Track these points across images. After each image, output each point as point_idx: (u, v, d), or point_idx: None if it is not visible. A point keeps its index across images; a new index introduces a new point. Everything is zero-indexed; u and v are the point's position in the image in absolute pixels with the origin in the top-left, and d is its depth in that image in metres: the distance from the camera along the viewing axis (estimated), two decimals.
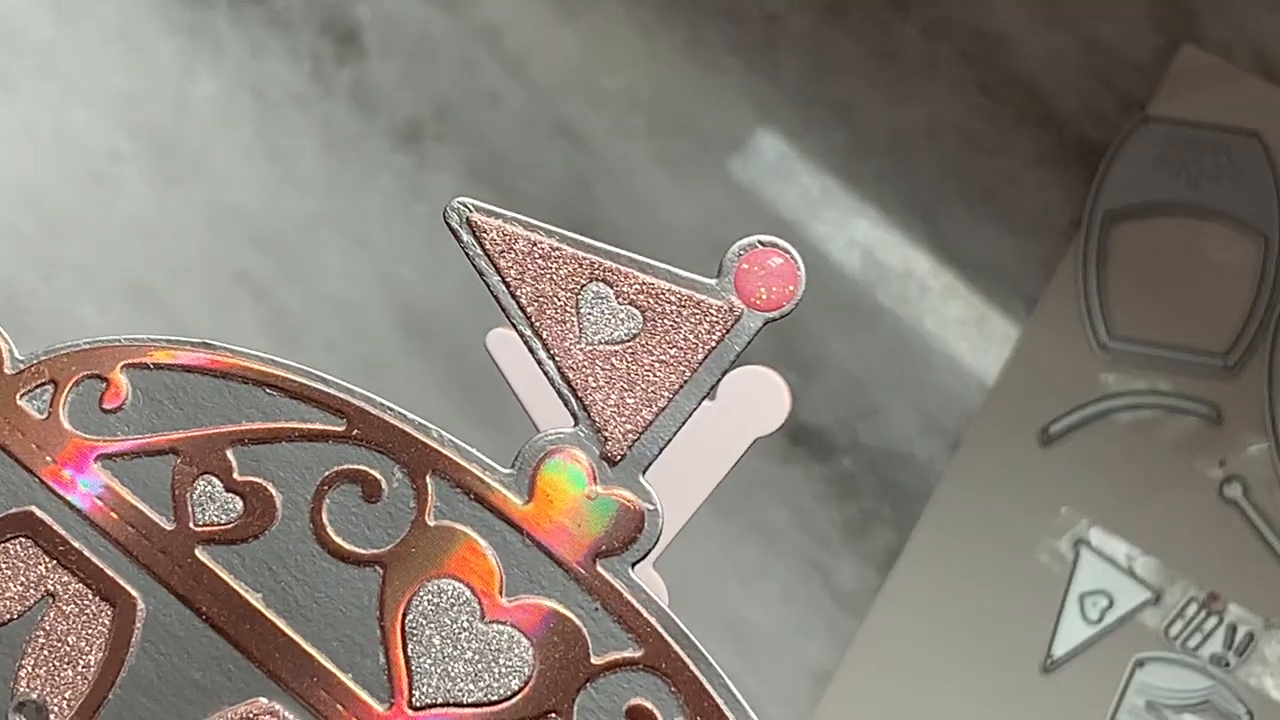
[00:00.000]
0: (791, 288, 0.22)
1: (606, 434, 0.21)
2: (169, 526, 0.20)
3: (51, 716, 0.20)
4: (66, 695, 0.20)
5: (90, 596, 0.20)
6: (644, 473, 0.21)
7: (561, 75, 0.53)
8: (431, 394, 0.49)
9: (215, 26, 0.53)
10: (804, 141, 0.52)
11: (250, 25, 0.53)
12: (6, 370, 0.21)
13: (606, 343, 0.21)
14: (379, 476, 0.21)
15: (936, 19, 0.53)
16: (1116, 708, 0.49)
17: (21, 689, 0.20)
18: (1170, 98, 0.51)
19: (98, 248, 0.52)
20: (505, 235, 0.22)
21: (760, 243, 0.22)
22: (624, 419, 0.21)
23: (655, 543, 0.21)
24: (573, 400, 0.21)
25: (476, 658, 0.20)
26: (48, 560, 0.20)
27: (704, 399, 0.21)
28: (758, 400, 0.23)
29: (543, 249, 0.22)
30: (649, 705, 0.20)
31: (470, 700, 0.20)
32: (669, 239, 0.52)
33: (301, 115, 0.52)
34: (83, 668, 0.20)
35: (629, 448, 0.21)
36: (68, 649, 0.20)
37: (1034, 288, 0.51)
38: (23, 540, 0.20)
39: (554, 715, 0.20)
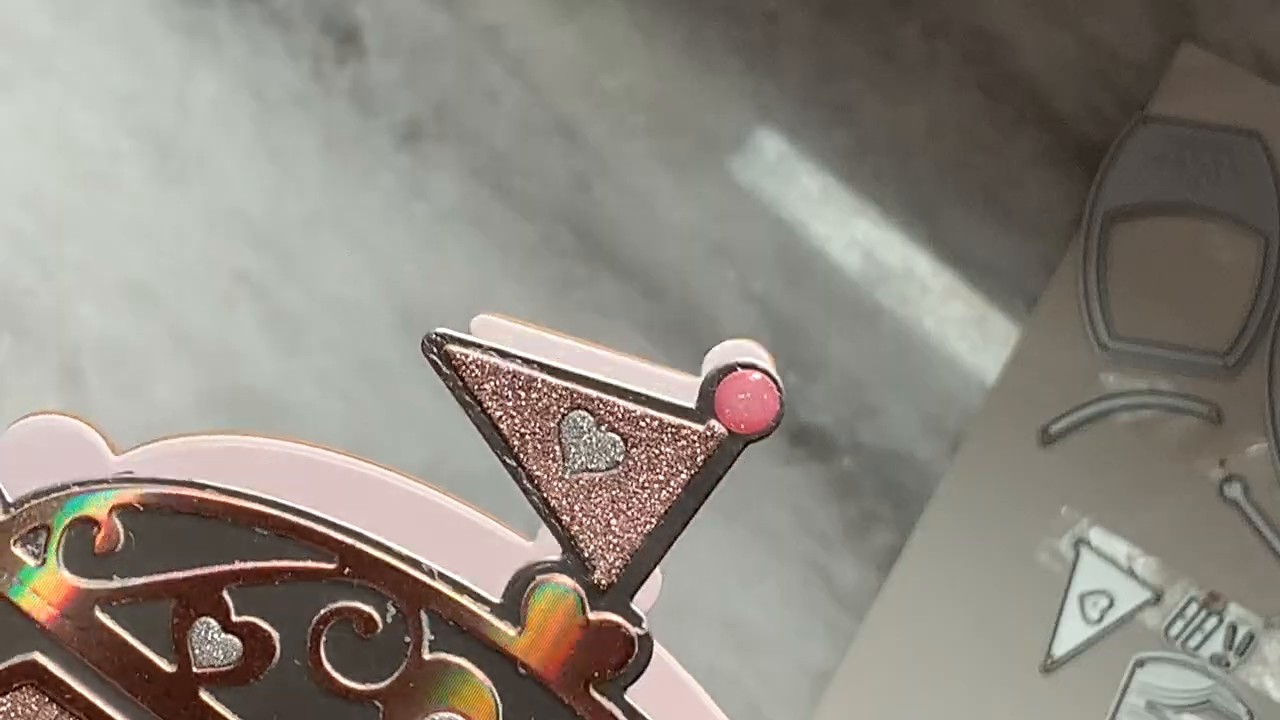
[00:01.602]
0: (773, 406, 0.22)
1: (594, 563, 0.21)
2: (171, 669, 0.20)
3: None
4: None
5: None
6: (632, 597, 0.21)
7: (561, 75, 0.53)
8: (431, 394, 0.49)
9: (215, 26, 0.53)
10: (804, 141, 0.52)
11: (250, 25, 0.53)
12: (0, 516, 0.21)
13: (590, 470, 0.21)
14: (373, 613, 0.21)
15: (936, 19, 0.53)
16: (1117, 708, 0.49)
17: None
18: (1170, 97, 0.51)
19: (98, 248, 0.52)
20: (483, 367, 0.22)
21: (739, 365, 0.22)
22: (611, 547, 0.21)
23: (646, 666, 0.21)
24: (560, 530, 0.21)
25: None
26: (54, 708, 0.20)
27: (689, 521, 0.21)
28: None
29: (521, 379, 0.22)
30: None
31: None
32: (669, 239, 0.52)
33: (301, 115, 0.52)
34: None
35: (617, 576, 0.21)
36: None
37: (1034, 288, 0.51)
38: (29, 688, 0.20)
39: None
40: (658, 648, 0.21)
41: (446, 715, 0.20)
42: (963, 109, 0.52)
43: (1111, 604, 0.49)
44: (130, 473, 0.21)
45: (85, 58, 0.53)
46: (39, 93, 0.53)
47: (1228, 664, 0.48)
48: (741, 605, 0.49)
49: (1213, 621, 0.49)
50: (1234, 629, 0.48)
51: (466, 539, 0.22)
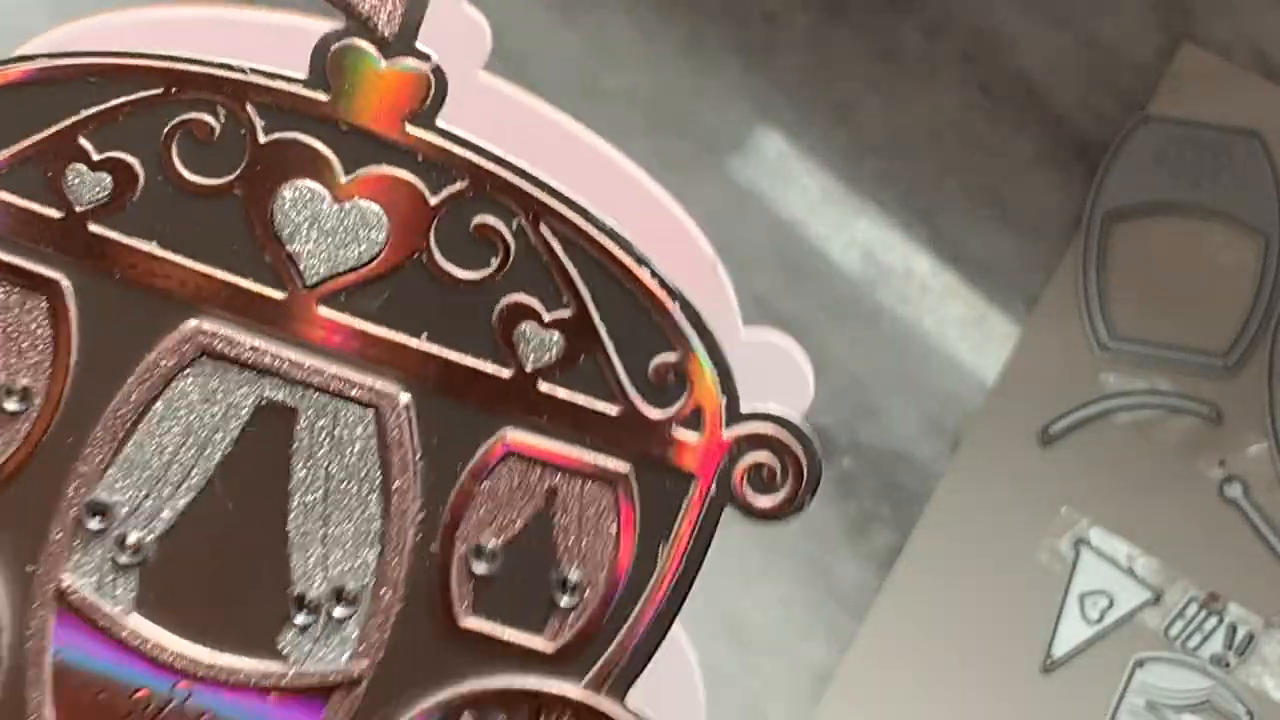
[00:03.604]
0: None
1: (374, 21, 0.24)
2: (58, 214, 0.24)
3: (35, 396, 0.24)
4: (38, 374, 0.24)
5: (21, 292, 0.24)
6: (415, 38, 0.24)
7: (561, 75, 0.53)
8: None
9: None
10: (804, 141, 0.52)
11: None
12: None
13: None
14: (206, 118, 0.24)
15: (937, 18, 0.53)
16: (1116, 708, 0.49)
17: (1, 379, 0.24)
18: (1170, 97, 0.51)
19: None
20: None
21: None
22: (386, 4, 0.24)
23: (445, 96, 0.24)
24: (340, 2, 0.24)
25: (343, 232, 0.24)
26: None
27: None
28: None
29: None
30: (490, 221, 0.24)
31: (350, 265, 0.24)
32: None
33: None
34: (42, 348, 0.24)
35: (398, 25, 0.24)
36: (28, 335, 0.24)
37: (1034, 288, 0.51)
38: None
39: (418, 253, 0.24)
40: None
41: (296, 182, 0.24)
42: (963, 109, 0.52)
43: (1111, 604, 0.49)
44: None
45: None
46: None
47: (1228, 664, 0.48)
48: (741, 605, 0.49)
49: (1213, 621, 0.49)
50: (1234, 629, 0.48)
51: (272, 38, 0.25)
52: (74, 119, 0.24)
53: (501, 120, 0.26)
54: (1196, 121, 0.51)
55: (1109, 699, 0.49)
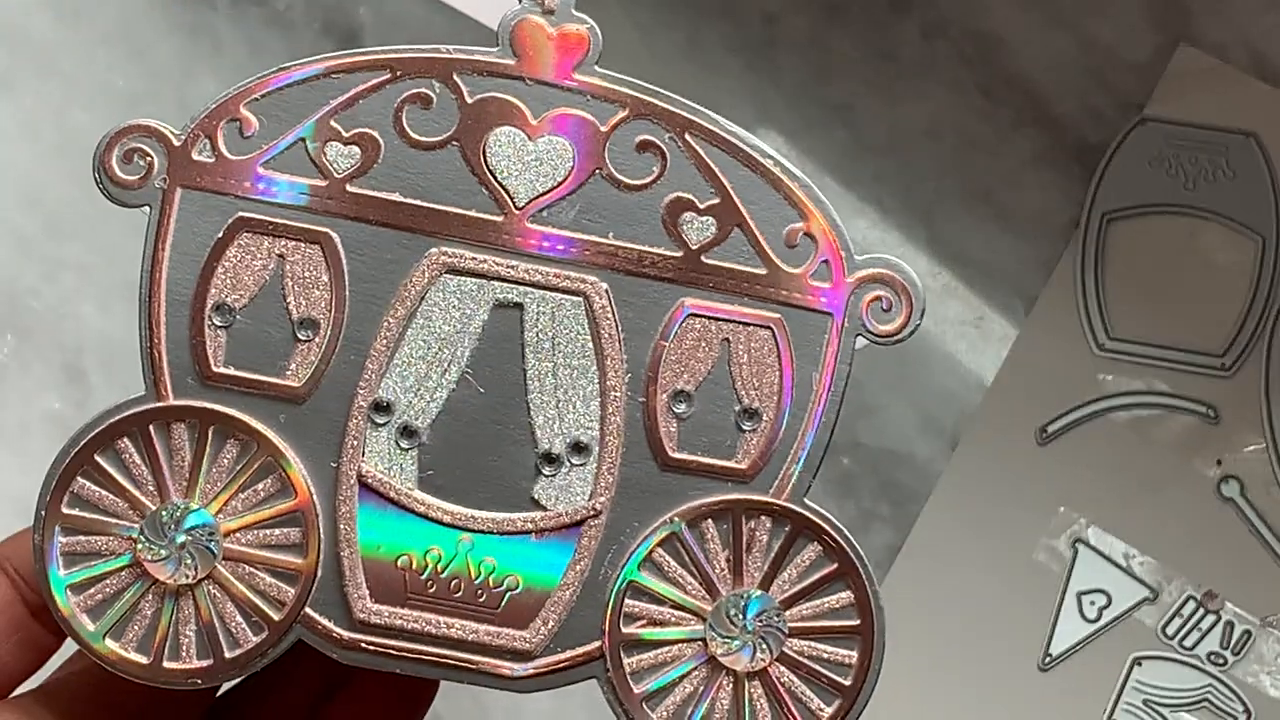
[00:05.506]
0: None
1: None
2: (323, 183, 0.30)
3: (321, 326, 0.30)
4: (321, 308, 0.30)
5: (303, 246, 0.30)
6: (574, 7, 0.31)
7: None
8: None
9: (215, 27, 0.53)
10: (804, 141, 0.53)
11: (251, 26, 0.53)
12: (175, 143, 0.30)
13: None
14: (425, 91, 0.31)
15: (936, 19, 0.53)
16: (1114, 705, 0.49)
17: (295, 315, 0.30)
18: (1168, 98, 0.51)
19: (98, 248, 0.52)
20: None
21: None
22: None
23: (600, 48, 0.31)
24: None
25: (539, 162, 0.31)
26: (267, 238, 0.30)
27: None
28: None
29: None
30: (650, 137, 0.30)
31: (548, 187, 0.30)
32: None
33: None
34: (323, 289, 0.30)
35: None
36: (311, 278, 0.30)
37: (1033, 288, 0.51)
38: (246, 234, 0.30)
39: (597, 170, 0.30)
40: None
41: (498, 129, 0.30)
42: (962, 110, 0.52)
43: (1109, 602, 0.49)
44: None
45: (86, 58, 0.53)
46: (40, 92, 0.53)
47: (1224, 662, 0.49)
48: None
49: (1209, 620, 0.49)
50: (1230, 627, 0.49)
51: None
52: (326, 109, 0.31)
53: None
54: (1193, 123, 0.51)
55: (1107, 696, 0.49)
